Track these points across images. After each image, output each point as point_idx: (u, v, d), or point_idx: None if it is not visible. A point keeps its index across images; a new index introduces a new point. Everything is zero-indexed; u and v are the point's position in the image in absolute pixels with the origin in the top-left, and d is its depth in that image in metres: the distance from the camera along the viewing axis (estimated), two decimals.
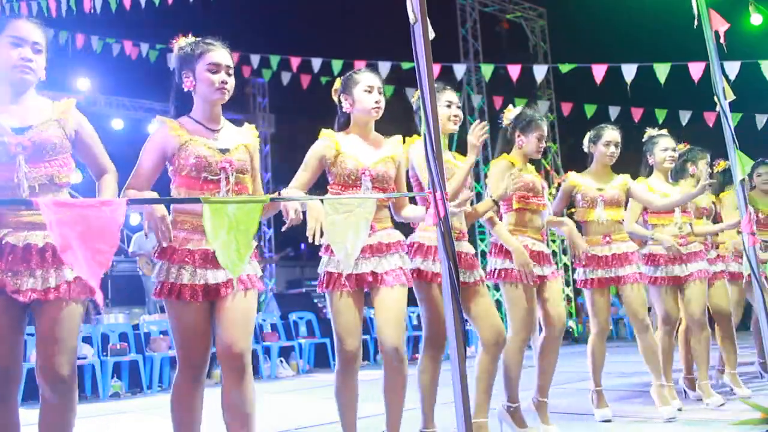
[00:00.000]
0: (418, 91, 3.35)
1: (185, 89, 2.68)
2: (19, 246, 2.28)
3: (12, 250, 2.27)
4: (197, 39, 2.71)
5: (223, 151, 2.62)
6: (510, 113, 3.73)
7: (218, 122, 2.70)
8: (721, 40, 3.48)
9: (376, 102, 3.01)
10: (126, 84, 12.66)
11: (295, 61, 9.94)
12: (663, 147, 4.43)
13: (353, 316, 2.90)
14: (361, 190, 2.93)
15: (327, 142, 3.00)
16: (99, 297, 2.25)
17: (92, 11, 8.06)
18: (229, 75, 2.66)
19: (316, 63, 9.74)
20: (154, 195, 2.59)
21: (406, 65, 8.97)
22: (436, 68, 9.42)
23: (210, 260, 2.50)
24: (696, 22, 3.49)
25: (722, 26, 3.50)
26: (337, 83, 3.16)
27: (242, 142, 2.69)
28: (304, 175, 2.98)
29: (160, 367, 7.48)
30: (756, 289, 3.27)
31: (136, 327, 7.65)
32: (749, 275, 3.34)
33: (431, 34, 2.22)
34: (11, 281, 2.26)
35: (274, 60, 10.17)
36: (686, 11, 3.52)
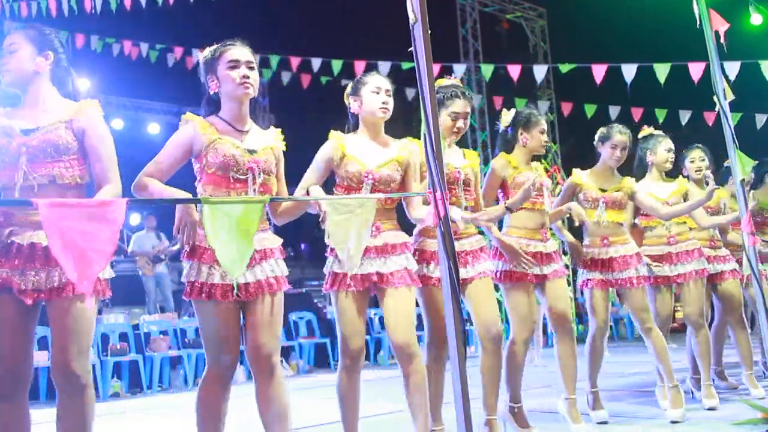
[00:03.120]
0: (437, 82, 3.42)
1: (211, 92, 2.70)
2: (24, 245, 2.29)
3: (18, 250, 2.29)
4: (217, 44, 2.74)
5: (251, 151, 2.64)
6: (507, 115, 3.74)
7: (245, 123, 2.72)
8: (721, 40, 3.48)
9: (383, 103, 3.03)
10: (126, 84, 12.65)
11: (295, 61, 9.93)
12: (667, 147, 4.45)
13: (358, 315, 2.93)
14: (362, 193, 2.96)
15: (334, 144, 3.02)
16: (91, 300, 2.25)
17: (92, 11, 8.06)
18: (251, 69, 2.67)
19: (316, 63, 9.73)
20: (171, 188, 2.57)
21: (406, 65, 8.96)
22: (436, 68, 9.41)
23: None
24: (697, 23, 3.49)
25: (722, 26, 3.50)
26: (349, 87, 3.18)
27: (269, 144, 2.71)
28: (312, 176, 3.00)
29: (160, 367, 7.48)
30: (756, 289, 3.28)
31: (136, 327, 7.65)
32: (749, 275, 3.34)
33: None
34: (18, 281, 2.28)
35: (274, 60, 10.18)
36: (686, 11, 3.52)
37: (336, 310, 2.97)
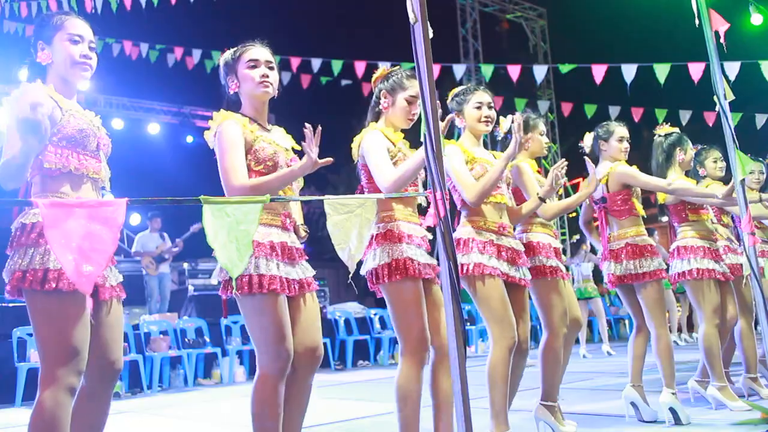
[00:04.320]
0: (453, 91, 3.44)
1: (231, 92, 2.70)
2: None
3: None
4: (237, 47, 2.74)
5: (287, 150, 2.69)
6: (506, 122, 3.72)
7: (266, 123, 2.73)
8: (721, 40, 3.48)
9: (414, 114, 3.04)
10: (126, 84, 12.67)
11: (295, 61, 9.94)
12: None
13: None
14: (419, 184, 2.97)
15: (383, 135, 2.96)
16: (88, 302, 2.25)
17: (92, 11, 8.07)
18: (271, 69, 2.67)
19: (316, 63, 9.75)
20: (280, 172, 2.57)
21: (406, 65, 8.96)
22: (436, 68, 9.42)
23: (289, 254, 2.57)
24: (696, 23, 3.49)
25: (722, 26, 3.50)
26: (382, 71, 3.17)
27: (291, 145, 2.75)
28: (389, 162, 2.87)
29: (160, 367, 7.48)
30: (756, 289, 3.28)
31: (136, 327, 7.65)
32: (749, 275, 3.35)
33: (429, 34, 2.22)
34: (100, 279, 2.30)
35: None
36: (686, 11, 3.52)
37: (404, 300, 2.78)
